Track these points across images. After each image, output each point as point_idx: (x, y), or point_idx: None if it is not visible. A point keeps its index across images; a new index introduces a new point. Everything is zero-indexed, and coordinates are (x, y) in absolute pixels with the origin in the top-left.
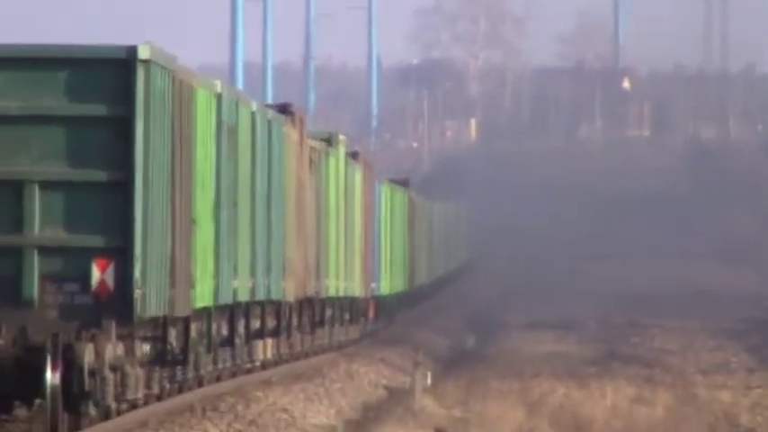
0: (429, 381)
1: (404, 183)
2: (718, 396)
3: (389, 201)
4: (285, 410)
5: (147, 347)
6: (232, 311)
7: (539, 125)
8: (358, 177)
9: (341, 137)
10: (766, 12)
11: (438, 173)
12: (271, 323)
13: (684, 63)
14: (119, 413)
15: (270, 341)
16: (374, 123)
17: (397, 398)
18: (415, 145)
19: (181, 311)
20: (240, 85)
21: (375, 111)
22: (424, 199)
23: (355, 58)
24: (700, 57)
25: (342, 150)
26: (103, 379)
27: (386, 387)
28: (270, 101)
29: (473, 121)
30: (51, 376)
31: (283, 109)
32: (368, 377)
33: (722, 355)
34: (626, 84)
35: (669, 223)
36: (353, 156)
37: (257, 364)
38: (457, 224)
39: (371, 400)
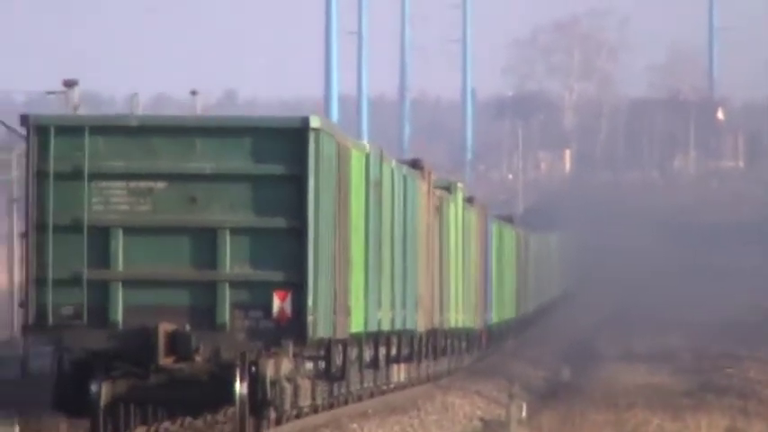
0: (524, 413)
1: (509, 219)
2: None
3: (499, 237)
4: None
5: (310, 365)
6: (376, 338)
7: (633, 157)
8: (473, 219)
9: (459, 184)
10: None
11: (534, 205)
12: (405, 350)
13: None
14: (298, 416)
15: (403, 366)
16: (469, 155)
17: (492, 430)
18: (509, 177)
19: (341, 335)
20: (335, 117)
21: (470, 143)
22: (529, 232)
23: (450, 91)
24: None
25: (460, 196)
26: (282, 389)
27: (481, 419)
28: (365, 134)
29: (567, 153)
30: (240, 387)
31: (414, 164)
32: (463, 409)
33: None
34: (720, 115)
35: (764, 254)
36: (469, 200)
37: (392, 386)
38: (556, 255)
39: None
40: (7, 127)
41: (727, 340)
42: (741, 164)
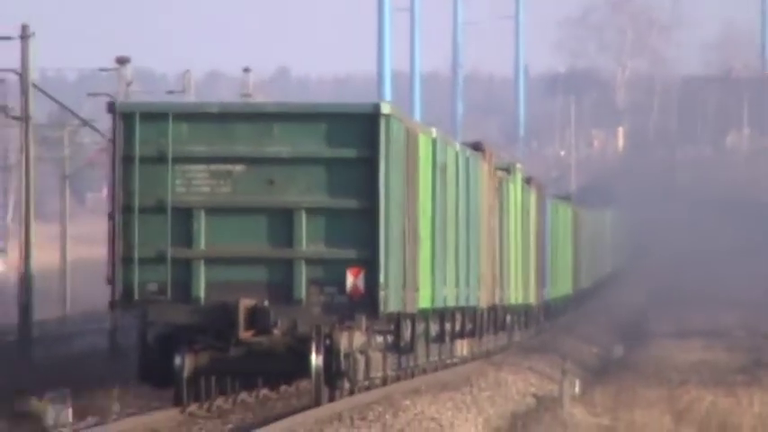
0: (577, 389)
1: (566, 197)
2: None
3: (556, 215)
4: (433, 419)
5: (380, 339)
6: (442, 314)
7: (686, 134)
8: (532, 199)
9: (518, 165)
10: None
11: (589, 182)
12: (468, 326)
13: None
14: (368, 388)
15: (466, 341)
16: (521, 132)
17: (545, 406)
18: (562, 153)
19: (410, 310)
20: (388, 94)
21: (522, 119)
22: (584, 210)
23: (502, 67)
24: None
25: (519, 177)
26: (355, 361)
27: (534, 395)
28: (417, 111)
29: (620, 130)
30: (315, 359)
31: (476, 146)
32: (516, 386)
33: None
34: None
35: None
36: (527, 180)
37: (455, 360)
38: (610, 232)
39: (520, 408)
40: (62, 105)
41: None
42: None
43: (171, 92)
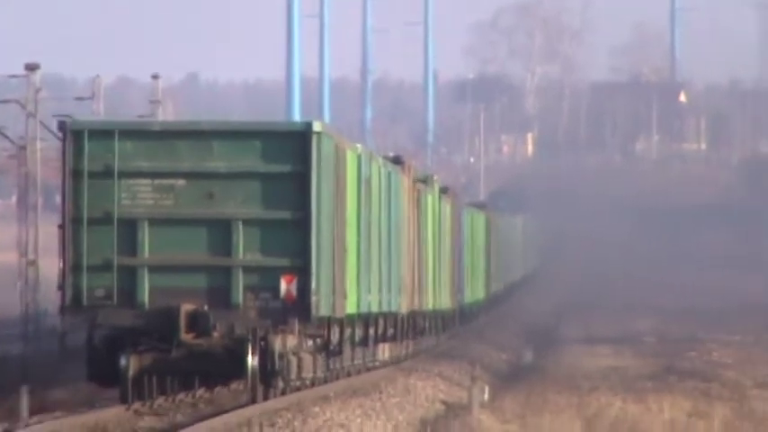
0: (486, 395)
1: (481, 205)
2: None
3: (470, 223)
4: (342, 426)
5: (311, 342)
6: (366, 319)
7: (595, 140)
8: (448, 208)
9: (435, 177)
10: None
11: (499, 188)
12: (389, 330)
13: (741, 76)
14: (298, 389)
15: (388, 345)
16: (430, 138)
17: (454, 413)
18: (471, 160)
19: (339, 315)
20: (296, 100)
21: (431, 126)
22: (497, 216)
23: (412, 73)
24: (756, 70)
25: (436, 187)
26: (288, 362)
27: (443, 402)
28: (327, 116)
29: (530, 136)
30: (251, 360)
31: (397, 160)
32: (425, 392)
33: None
34: (682, 98)
35: (726, 236)
36: (444, 190)
37: (377, 363)
38: (522, 237)
39: (429, 415)
40: None
41: (690, 323)
42: (703, 146)
43: (80, 98)
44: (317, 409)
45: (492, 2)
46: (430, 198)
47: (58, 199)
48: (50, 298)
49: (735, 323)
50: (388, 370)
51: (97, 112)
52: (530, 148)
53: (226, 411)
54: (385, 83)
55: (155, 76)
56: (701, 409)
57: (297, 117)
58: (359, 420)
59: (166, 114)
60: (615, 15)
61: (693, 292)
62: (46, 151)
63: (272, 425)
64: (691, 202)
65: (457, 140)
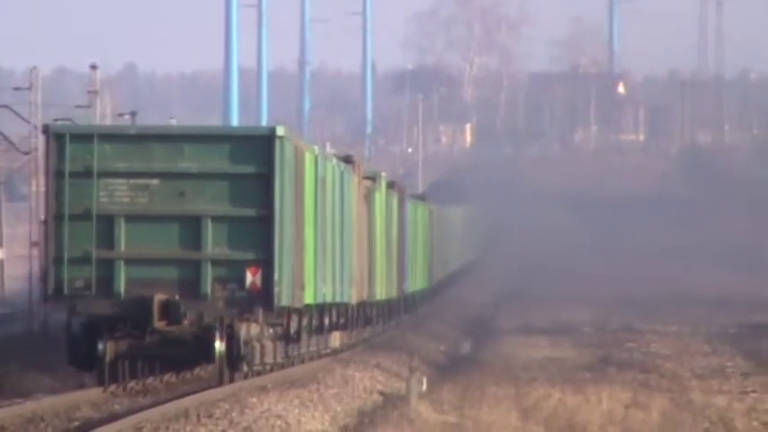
0: (424, 386)
1: (422, 197)
2: (714, 401)
3: (414, 215)
4: (280, 417)
5: (271, 330)
6: (321, 309)
7: (534, 130)
8: (394, 202)
9: (383, 174)
10: (761, 17)
11: (439, 179)
12: (341, 319)
13: (679, 68)
14: (259, 373)
15: (339, 333)
16: (369, 129)
17: (392, 403)
18: (409, 150)
19: (298, 305)
20: (235, 91)
21: (370, 116)
22: (438, 207)
23: (350, 64)
24: (694, 62)
25: (383, 184)
26: (253, 348)
27: (381, 393)
28: (264, 107)
29: (468, 127)
30: (219, 345)
31: (347, 159)
32: (363, 383)
33: (717, 359)
34: (621, 89)
35: (664, 227)
36: (390, 185)
37: (329, 351)
38: (462, 228)
39: (367, 405)
40: None
41: (628, 314)
42: (642, 137)
43: (18, 88)
44: (254, 399)
45: None
46: (378, 194)
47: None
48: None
49: (673, 314)
50: (327, 361)
51: (35, 103)
52: (468, 138)
53: (181, 396)
54: (323, 73)
55: (93, 67)
56: (640, 400)
57: (235, 108)
58: (296, 411)
59: (104, 105)
60: (553, 7)
61: (631, 282)
62: None
63: (210, 416)
64: (629, 193)
65: (395, 131)
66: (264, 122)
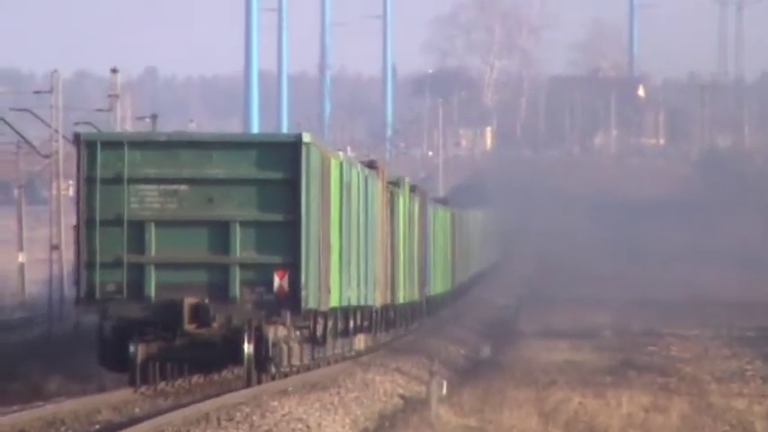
0: (445, 390)
1: (444, 201)
2: (733, 404)
3: (436, 219)
4: (300, 420)
5: (298, 332)
6: (346, 312)
7: (554, 134)
8: (416, 206)
9: (406, 179)
10: None
11: (461, 183)
12: (365, 322)
13: (699, 71)
14: (285, 375)
15: (363, 335)
16: (389, 132)
17: (412, 407)
18: (430, 154)
19: (324, 308)
20: (255, 95)
21: (390, 120)
22: (460, 211)
23: (370, 68)
24: (714, 65)
25: (407, 188)
26: (280, 350)
27: (402, 396)
28: (285, 111)
29: (488, 130)
30: (247, 347)
31: (371, 165)
32: (384, 386)
33: (737, 363)
34: (641, 92)
35: (684, 230)
36: (413, 189)
37: (353, 353)
38: (484, 231)
39: (387, 409)
40: None
41: (648, 318)
42: (662, 141)
43: (38, 92)
44: (275, 403)
45: None
46: (401, 199)
47: (16, 193)
48: None
49: (692, 317)
50: (347, 364)
51: (56, 107)
52: (488, 141)
53: (206, 399)
54: (343, 77)
55: (113, 71)
56: (660, 403)
57: (255, 111)
58: (317, 414)
59: (124, 109)
60: (574, 10)
61: (652, 285)
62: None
63: (231, 419)
64: (649, 196)
65: (415, 134)
66: (285, 126)
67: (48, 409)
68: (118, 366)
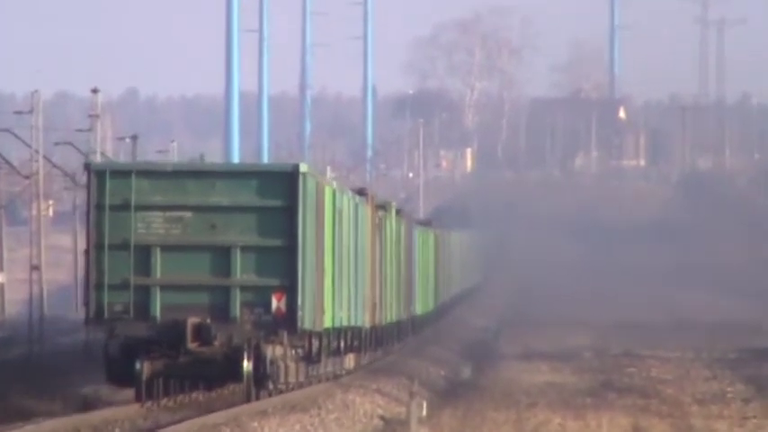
0: (425, 411)
1: (427, 222)
2: (714, 426)
3: (421, 240)
4: None
5: (294, 351)
6: (338, 332)
7: (535, 155)
8: (402, 229)
9: (393, 203)
10: (761, 42)
11: (439, 204)
12: (355, 342)
13: (680, 93)
14: (281, 392)
15: (352, 355)
16: (369, 153)
17: (392, 428)
18: (410, 175)
19: (319, 328)
20: (236, 115)
21: (370, 141)
22: (443, 233)
23: (351, 88)
24: (695, 86)
25: (393, 212)
26: (278, 367)
27: (381, 417)
28: (265, 131)
29: (469, 152)
30: (247, 365)
31: (361, 191)
32: (363, 407)
33: (718, 385)
34: (622, 114)
35: (665, 252)
36: (398, 212)
37: (344, 372)
38: (467, 252)
39: (367, 430)
40: None
41: (629, 339)
42: (642, 162)
43: (19, 112)
44: (255, 424)
45: (432, 18)
46: (388, 222)
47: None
48: None
49: (674, 339)
50: (327, 385)
51: (36, 127)
52: (469, 163)
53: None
54: (324, 97)
55: (94, 91)
56: (641, 425)
57: (236, 132)
58: None
59: (105, 129)
60: (555, 33)
61: (632, 307)
62: None
63: None
64: (630, 218)
65: (396, 155)
66: (265, 146)
67: (61, 421)
68: (124, 382)
